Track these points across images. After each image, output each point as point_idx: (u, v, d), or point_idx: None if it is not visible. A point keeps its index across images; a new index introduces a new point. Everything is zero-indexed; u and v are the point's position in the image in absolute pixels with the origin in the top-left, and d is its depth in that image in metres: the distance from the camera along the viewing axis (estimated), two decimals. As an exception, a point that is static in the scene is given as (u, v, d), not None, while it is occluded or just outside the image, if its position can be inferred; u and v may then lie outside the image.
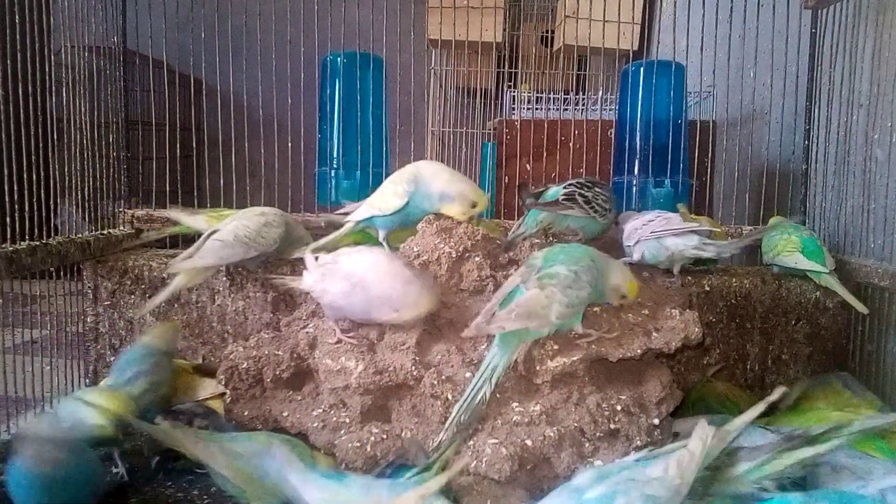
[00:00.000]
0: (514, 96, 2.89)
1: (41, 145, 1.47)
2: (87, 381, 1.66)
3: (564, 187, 1.49)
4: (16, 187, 1.40)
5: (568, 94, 2.94)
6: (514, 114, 2.88)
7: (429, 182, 1.43)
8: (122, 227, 1.85)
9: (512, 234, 1.47)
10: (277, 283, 1.44)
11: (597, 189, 1.49)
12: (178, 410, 1.36)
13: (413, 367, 1.22)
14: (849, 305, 1.61)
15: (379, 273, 1.24)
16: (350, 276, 1.24)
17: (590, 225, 1.51)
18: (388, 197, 1.46)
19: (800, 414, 1.41)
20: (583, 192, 1.47)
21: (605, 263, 1.25)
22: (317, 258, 1.33)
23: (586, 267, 1.20)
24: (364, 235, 1.60)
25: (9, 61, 1.39)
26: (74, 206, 1.72)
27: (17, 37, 1.41)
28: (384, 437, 1.20)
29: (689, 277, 1.62)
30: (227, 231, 1.50)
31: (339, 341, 1.28)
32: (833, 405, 1.40)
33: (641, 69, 2.08)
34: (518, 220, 1.56)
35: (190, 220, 1.71)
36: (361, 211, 1.52)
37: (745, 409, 1.43)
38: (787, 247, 1.59)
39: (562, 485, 0.98)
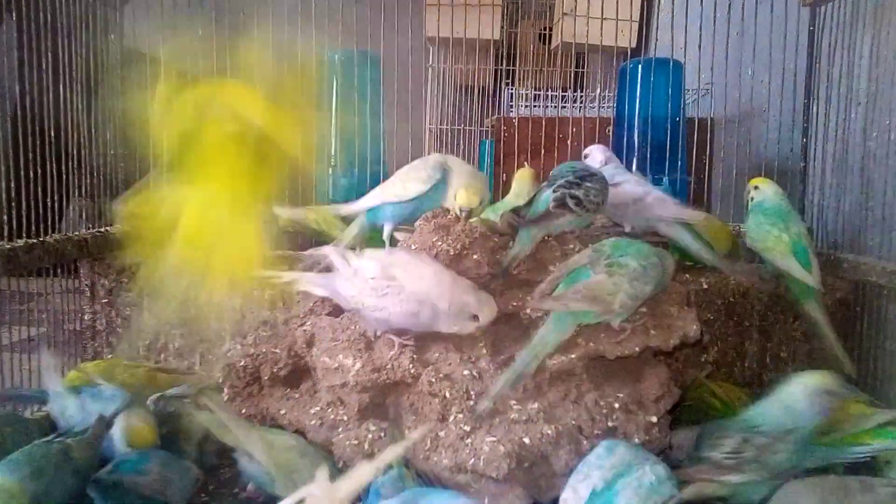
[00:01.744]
0: (511, 94, 2.89)
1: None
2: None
3: (553, 190, 1.35)
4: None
5: (566, 91, 2.93)
6: (511, 111, 2.88)
7: (457, 175, 1.39)
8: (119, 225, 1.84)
9: (509, 257, 1.34)
10: (295, 281, 1.35)
11: (587, 184, 1.36)
12: (169, 395, 1.36)
13: (411, 365, 1.22)
14: (848, 304, 1.62)
15: (445, 286, 1.19)
16: (416, 295, 1.19)
17: (579, 221, 1.42)
18: (408, 182, 1.41)
19: None
20: (572, 191, 1.34)
21: (666, 258, 1.26)
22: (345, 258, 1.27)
23: (653, 263, 1.21)
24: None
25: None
26: (72, 204, 1.72)
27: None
28: (382, 434, 1.20)
29: (687, 275, 1.62)
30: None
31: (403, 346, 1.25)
32: None
33: (639, 66, 2.08)
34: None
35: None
36: (370, 198, 1.45)
37: (740, 410, 1.44)
38: (777, 245, 1.51)
39: None
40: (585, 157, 1.65)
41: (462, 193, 1.36)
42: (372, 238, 1.59)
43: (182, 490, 1.16)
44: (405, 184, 1.41)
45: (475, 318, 1.20)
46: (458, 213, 1.37)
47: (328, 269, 1.37)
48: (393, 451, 1.00)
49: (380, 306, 1.20)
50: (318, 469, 1.09)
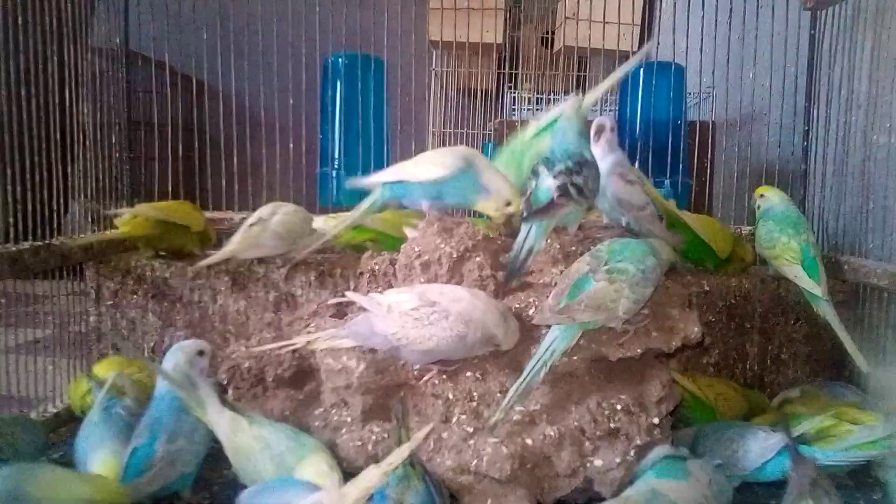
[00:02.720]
0: (514, 97, 2.90)
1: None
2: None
3: (555, 177, 1.26)
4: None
5: (568, 94, 2.94)
6: (514, 114, 2.89)
7: (479, 170, 1.36)
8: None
9: (521, 253, 1.28)
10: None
11: (585, 171, 1.28)
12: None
13: (414, 367, 1.23)
14: (848, 306, 1.62)
15: (481, 309, 1.19)
16: (462, 316, 1.17)
17: (573, 215, 1.35)
18: (427, 165, 1.38)
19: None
20: (574, 179, 1.27)
21: (660, 251, 1.26)
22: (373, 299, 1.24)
23: (651, 265, 1.21)
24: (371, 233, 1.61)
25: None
26: (78, 206, 1.73)
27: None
28: (385, 435, 1.21)
29: (689, 277, 1.63)
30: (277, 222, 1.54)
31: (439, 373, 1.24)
32: (814, 409, 1.41)
33: (641, 70, 2.08)
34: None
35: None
36: (388, 173, 1.43)
37: (725, 411, 1.43)
38: (785, 253, 1.51)
39: None
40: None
41: (497, 202, 1.36)
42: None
43: (195, 451, 1.15)
44: (424, 167, 1.39)
45: (498, 345, 1.21)
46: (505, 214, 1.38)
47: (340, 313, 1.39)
48: (399, 453, 1.00)
49: (427, 336, 1.17)
50: (280, 467, 1.09)
